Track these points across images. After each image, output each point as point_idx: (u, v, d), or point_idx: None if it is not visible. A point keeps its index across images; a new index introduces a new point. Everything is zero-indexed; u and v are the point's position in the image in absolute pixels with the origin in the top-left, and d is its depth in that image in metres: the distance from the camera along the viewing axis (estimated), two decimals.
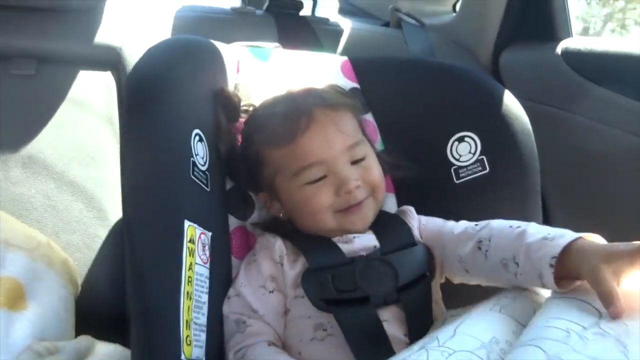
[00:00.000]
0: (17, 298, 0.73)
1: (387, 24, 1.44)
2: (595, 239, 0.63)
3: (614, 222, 1.08)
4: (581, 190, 1.13)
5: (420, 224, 0.82)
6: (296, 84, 0.90)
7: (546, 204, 1.16)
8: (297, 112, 0.77)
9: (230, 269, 0.79)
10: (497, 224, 0.72)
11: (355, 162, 0.77)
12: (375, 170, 0.79)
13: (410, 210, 0.83)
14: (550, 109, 1.15)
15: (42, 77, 1.06)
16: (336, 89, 0.86)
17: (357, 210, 0.76)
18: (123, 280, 0.99)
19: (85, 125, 1.05)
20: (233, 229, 0.82)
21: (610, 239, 1.06)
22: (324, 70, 0.96)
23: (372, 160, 0.80)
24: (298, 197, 0.77)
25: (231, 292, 0.75)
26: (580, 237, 0.61)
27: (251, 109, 0.86)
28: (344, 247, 0.75)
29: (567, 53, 1.14)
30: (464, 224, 0.77)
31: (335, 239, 0.76)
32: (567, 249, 0.60)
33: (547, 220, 1.18)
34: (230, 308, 0.74)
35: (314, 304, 0.70)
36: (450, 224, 0.79)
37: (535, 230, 0.66)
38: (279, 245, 0.76)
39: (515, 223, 0.70)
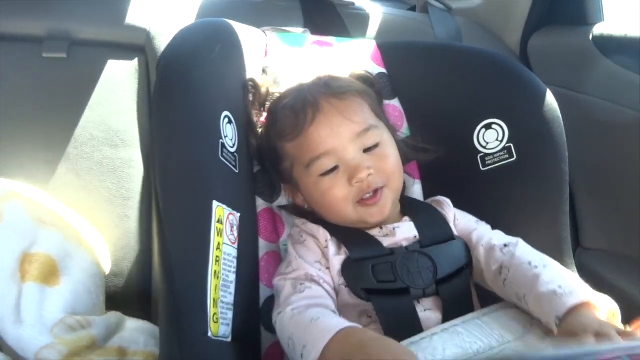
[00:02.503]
0: (50, 274, 0.75)
1: (413, 8, 1.42)
2: (603, 301, 0.66)
3: None
4: (611, 179, 1.12)
5: (455, 218, 0.82)
6: (323, 69, 0.90)
7: (574, 192, 1.15)
8: (303, 104, 0.77)
9: (257, 250, 0.80)
10: (520, 253, 0.73)
11: (367, 150, 0.76)
12: (390, 158, 0.78)
13: (447, 202, 0.83)
14: (580, 96, 1.13)
15: (73, 60, 1.07)
16: (348, 76, 0.84)
17: (374, 202, 0.75)
18: (150, 259, 1.02)
19: (114, 106, 1.07)
20: (260, 211, 0.83)
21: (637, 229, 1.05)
22: (351, 55, 0.96)
23: (388, 147, 0.78)
24: (315, 190, 0.77)
25: (283, 265, 0.75)
26: (586, 301, 0.64)
27: (272, 91, 0.87)
28: (386, 240, 0.75)
29: (598, 38, 1.11)
30: (493, 239, 0.77)
31: (373, 232, 0.76)
32: (571, 310, 0.64)
33: (573, 210, 1.17)
34: (285, 275, 0.73)
35: (355, 293, 0.71)
36: (482, 230, 0.80)
37: (549, 278, 0.68)
38: (322, 231, 0.76)
39: (535, 259, 0.72)
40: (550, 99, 0.89)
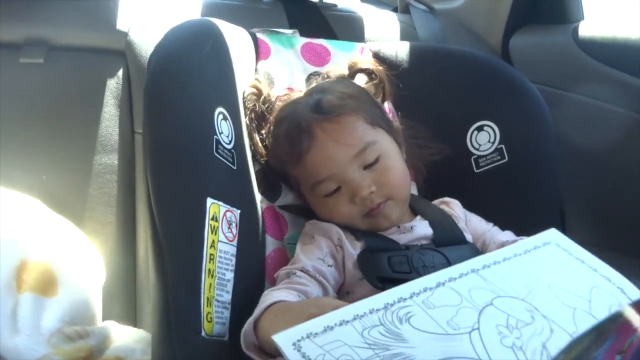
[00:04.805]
0: (48, 284, 0.76)
1: (396, 9, 1.47)
2: None
3: (631, 208, 1.12)
4: (595, 175, 1.17)
5: (466, 217, 0.86)
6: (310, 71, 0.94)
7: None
8: (297, 131, 0.80)
9: (263, 247, 0.83)
10: None
11: (368, 166, 0.79)
12: (392, 170, 0.80)
13: (457, 203, 0.88)
14: (562, 92, 1.19)
15: (50, 66, 1.08)
16: (341, 89, 0.85)
17: (377, 214, 0.79)
18: (133, 265, 1.03)
19: (94, 112, 1.08)
20: (264, 208, 0.86)
21: (624, 225, 1.11)
22: (341, 57, 0.99)
23: (389, 158, 0.81)
24: (323, 207, 0.81)
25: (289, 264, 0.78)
26: None
27: (273, 99, 0.89)
28: (403, 238, 0.79)
29: (579, 36, 1.17)
30: (505, 237, 0.81)
31: (391, 231, 0.80)
32: None
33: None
34: (285, 267, 0.77)
35: (370, 282, 0.74)
36: (494, 231, 0.84)
37: None
38: (336, 229, 0.79)
39: None
40: (539, 99, 0.94)
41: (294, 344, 0.47)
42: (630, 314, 0.43)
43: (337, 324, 0.50)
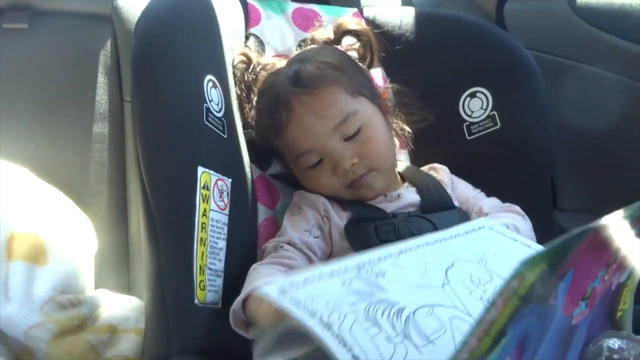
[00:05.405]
0: (39, 253, 0.76)
1: None
2: None
3: (622, 173, 1.13)
4: (589, 142, 1.17)
5: (453, 184, 0.86)
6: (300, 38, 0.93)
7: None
8: (276, 104, 0.79)
9: (256, 215, 0.83)
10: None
11: (349, 138, 0.78)
12: (374, 140, 0.79)
13: (445, 169, 0.88)
14: (557, 59, 1.18)
15: (35, 31, 1.06)
16: (321, 58, 0.82)
17: (360, 185, 0.79)
18: (125, 235, 1.03)
19: (80, 78, 1.07)
20: (256, 177, 0.86)
21: (618, 192, 1.11)
22: (333, 22, 0.98)
23: (371, 128, 0.79)
24: (307, 179, 0.81)
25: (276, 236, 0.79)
26: None
27: (258, 68, 0.88)
28: (390, 206, 0.79)
29: (575, 1, 1.16)
30: (484, 207, 0.82)
31: (378, 199, 0.80)
32: None
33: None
34: (272, 240, 0.77)
35: (357, 252, 0.73)
36: (478, 198, 0.84)
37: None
38: (322, 201, 0.79)
39: (509, 223, 0.75)
40: (533, 65, 0.93)
41: (280, 290, 0.47)
42: (585, 241, 0.41)
43: (316, 278, 0.49)
